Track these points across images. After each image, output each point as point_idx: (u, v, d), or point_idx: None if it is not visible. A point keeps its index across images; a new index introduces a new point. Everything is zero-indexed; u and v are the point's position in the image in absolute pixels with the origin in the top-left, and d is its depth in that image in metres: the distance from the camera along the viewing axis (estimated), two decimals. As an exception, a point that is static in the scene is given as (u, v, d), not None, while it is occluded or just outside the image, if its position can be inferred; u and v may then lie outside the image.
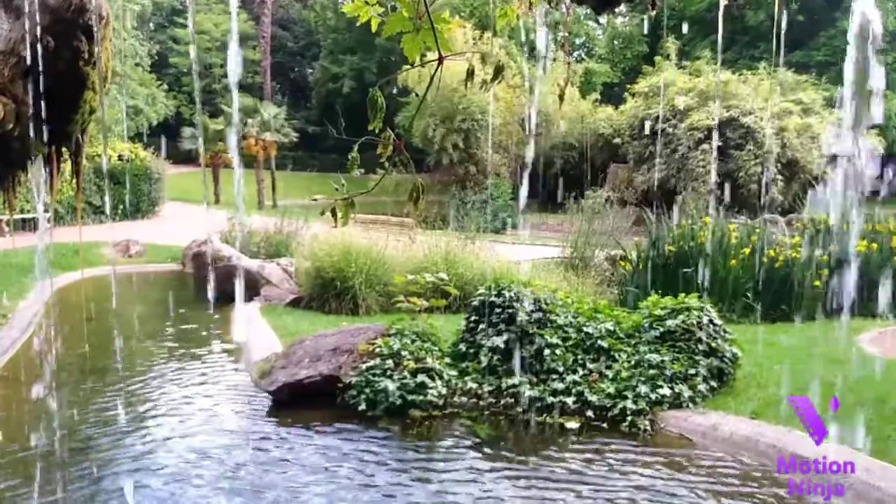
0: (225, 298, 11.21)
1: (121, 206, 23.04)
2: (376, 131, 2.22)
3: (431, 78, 2.24)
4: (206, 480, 4.84)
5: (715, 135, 24.63)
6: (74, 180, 2.94)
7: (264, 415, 6.14)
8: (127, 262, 15.37)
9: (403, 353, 6.32)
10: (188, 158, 36.32)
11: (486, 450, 5.45)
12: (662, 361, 6.14)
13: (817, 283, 9.25)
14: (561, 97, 3.41)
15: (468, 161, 29.84)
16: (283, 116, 34.29)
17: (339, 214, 2.27)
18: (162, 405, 6.43)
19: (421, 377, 6.11)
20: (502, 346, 6.41)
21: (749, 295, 9.42)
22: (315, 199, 2.48)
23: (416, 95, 22.87)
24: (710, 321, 6.47)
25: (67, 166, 3.23)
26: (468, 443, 5.56)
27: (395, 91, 32.79)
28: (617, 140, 30.20)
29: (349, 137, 2.32)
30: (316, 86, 52.64)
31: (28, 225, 17.85)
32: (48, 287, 10.53)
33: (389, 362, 6.24)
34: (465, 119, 29.00)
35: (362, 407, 5.97)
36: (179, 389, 6.87)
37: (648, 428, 5.71)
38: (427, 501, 4.60)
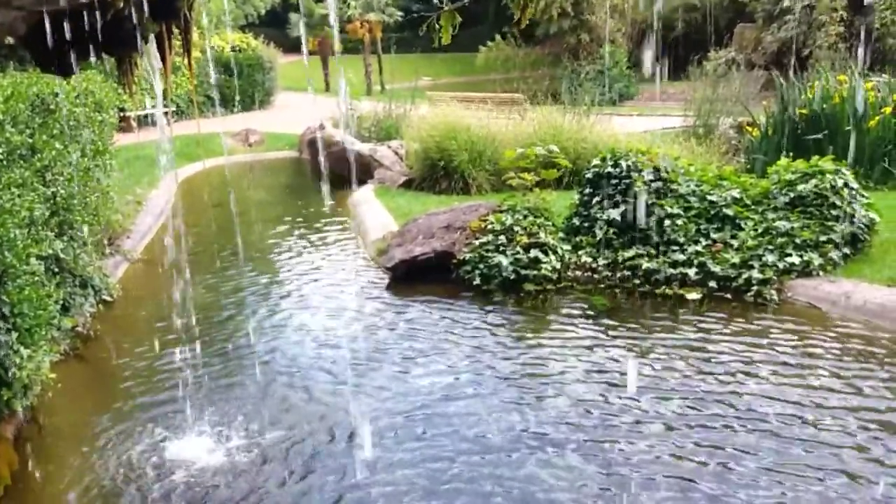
0: (340, 181, 11.46)
1: (236, 98, 23.54)
2: None
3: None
4: (334, 342, 5.15)
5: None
6: (186, 59, 2.96)
7: (383, 289, 6.36)
8: (247, 151, 15.91)
9: (516, 228, 6.29)
10: (297, 47, 36.34)
11: (603, 320, 5.42)
12: (792, 228, 5.81)
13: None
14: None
15: (580, 28, 27.88)
16: (385, -6, 33.41)
17: (442, 28, 2.13)
18: (287, 281, 6.78)
19: (534, 252, 6.08)
20: (618, 218, 6.24)
21: (888, 159, 8.66)
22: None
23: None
24: (846, 184, 6.01)
25: (181, 60, 3.27)
26: (584, 313, 5.55)
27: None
28: (743, -4, 27.59)
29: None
30: (418, -40, 50.93)
31: (152, 120, 18.67)
32: (175, 176, 11.09)
33: (502, 238, 6.24)
34: (575, -22, 26.91)
35: (476, 281, 6.05)
36: (303, 267, 7.20)
37: (775, 297, 5.49)
38: (543, 362, 4.67)
